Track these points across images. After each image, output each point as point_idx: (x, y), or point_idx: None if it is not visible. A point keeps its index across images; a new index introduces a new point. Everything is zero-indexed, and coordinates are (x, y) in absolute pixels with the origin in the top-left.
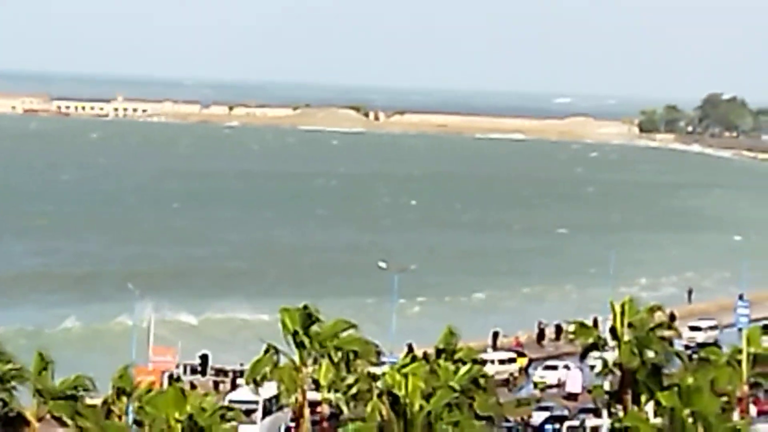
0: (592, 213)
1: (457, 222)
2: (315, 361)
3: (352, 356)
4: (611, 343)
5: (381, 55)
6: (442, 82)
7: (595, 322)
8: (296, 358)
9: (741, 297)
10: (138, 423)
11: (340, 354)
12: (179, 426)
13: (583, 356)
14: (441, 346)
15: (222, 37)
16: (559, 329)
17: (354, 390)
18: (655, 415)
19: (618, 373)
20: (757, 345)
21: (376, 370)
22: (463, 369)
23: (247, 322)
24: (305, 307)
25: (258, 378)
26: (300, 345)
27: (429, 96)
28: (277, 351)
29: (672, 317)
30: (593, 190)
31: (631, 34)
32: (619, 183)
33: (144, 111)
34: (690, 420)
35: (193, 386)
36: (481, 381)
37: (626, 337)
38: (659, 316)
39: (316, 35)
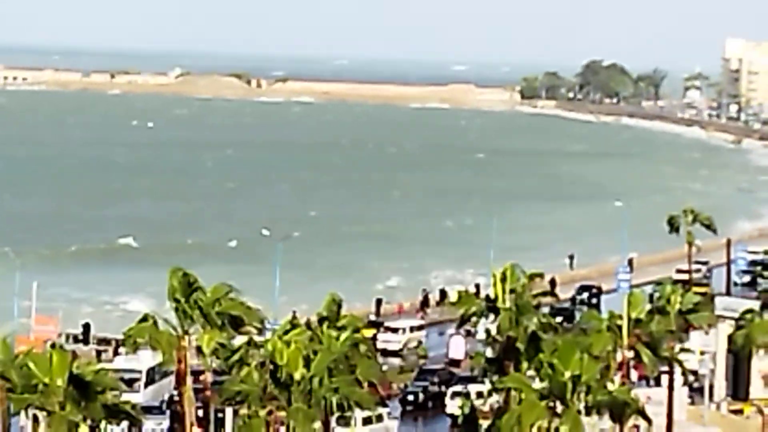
0: (475, 180)
1: (342, 189)
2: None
3: (234, 322)
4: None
5: (265, 22)
6: (332, 50)
7: (477, 288)
8: (178, 327)
9: (630, 262)
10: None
11: (222, 320)
12: (61, 389)
13: (461, 324)
14: (324, 314)
15: (102, 4)
16: (443, 294)
17: (236, 357)
18: (537, 379)
19: (500, 340)
20: (638, 310)
21: (259, 338)
22: (344, 335)
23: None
24: (185, 275)
25: (136, 345)
26: (182, 312)
27: (321, 64)
28: (155, 319)
29: (553, 283)
30: (477, 158)
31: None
32: (501, 150)
33: (24, 79)
34: (570, 384)
35: (74, 355)
36: (362, 348)
37: (507, 304)
38: (540, 283)
39: (197, 2)
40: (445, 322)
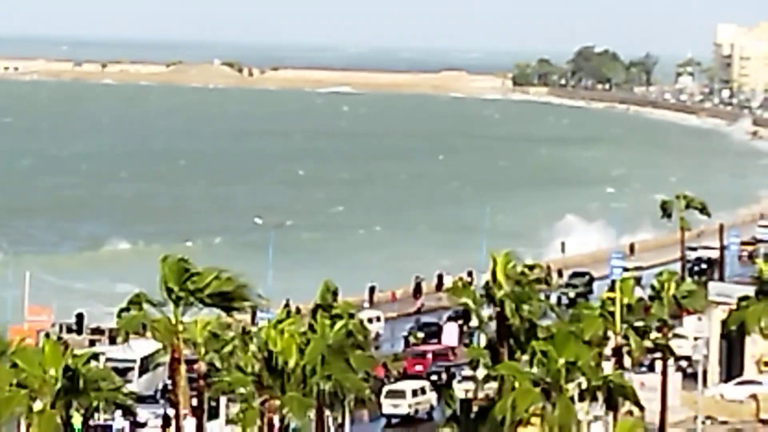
0: (468, 166)
1: (337, 178)
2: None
3: (228, 300)
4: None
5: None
6: (320, 38)
7: (470, 275)
8: (171, 315)
9: (631, 248)
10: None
11: (215, 301)
12: (53, 381)
13: (465, 318)
14: (318, 302)
15: None
16: (440, 279)
17: (229, 347)
18: (531, 365)
19: (494, 327)
20: (630, 296)
21: (252, 328)
22: (339, 323)
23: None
24: (182, 260)
25: (130, 333)
26: (175, 300)
27: (307, 53)
28: (149, 301)
29: (547, 270)
30: (470, 144)
31: None
32: (494, 137)
33: (16, 69)
34: (564, 371)
35: (66, 345)
36: (357, 335)
37: (503, 292)
38: (536, 271)
39: None
40: (439, 310)
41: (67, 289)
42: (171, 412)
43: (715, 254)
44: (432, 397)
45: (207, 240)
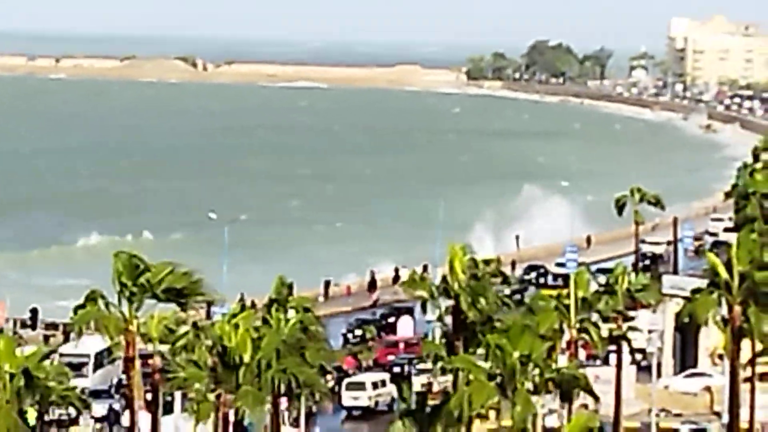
0: (422, 161)
1: (294, 173)
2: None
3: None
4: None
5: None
6: (279, 33)
7: (425, 269)
8: (125, 310)
9: (588, 240)
10: None
11: (168, 296)
12: (8, 377)
13: (424, 308)
14: (273, 297)
15: None
16: (397, 273)
17: (183, 342)
18: (486, 359)
19: (449, 321)
20: (584, 289)
21: (206, 322)
22: (294, 317)
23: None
24: (134, 255)
25: (84, 329)
26: (129, 296)
27: (264, 47)
28: (103, 297)
29: (509, 264)
30: (424, 139)
31: None
32: (448, 131)
33: None
34: (518, 364)
35: (20, 340)
36: (312, 330)
37: (459, 285)
38: (492, 265)
39: None
40: (394, 303)
41: (22, 284)
42: (117, 406)
43: (659, 249)
44: (393, 389)
45: (163, 235)
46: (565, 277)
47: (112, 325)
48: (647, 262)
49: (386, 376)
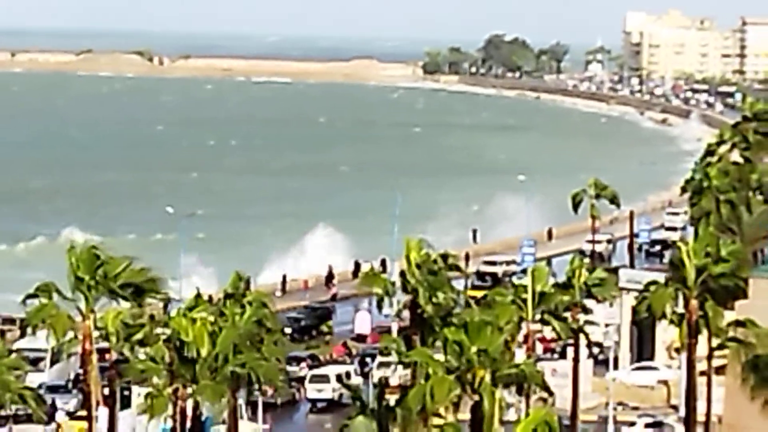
0: (377, 155)
1: (255, 167)
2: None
3: (139, 292)
4: (400, 287)
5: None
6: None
7: (384, 264)
8: (82, 305)
9: (549, 233)
10: None
11: (125, 292)
12: None
13: (380, 305)
14: (229, 291)
15: None
16: (357, 267)
17: (139, 335)
18: (445, 353)
19: (407, 315)
20: (542, 283)
21: (164, 317)
22: (249, 311)
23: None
24: (93, 247)
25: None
26: (86, 290)
27: (223, 41)
28: (59, 291)
29: (465, 258)
30: (379, 133)
31: None
32: (404, 125)
33: None
34: (475, 358)
35: None
36: (268, 323)
37: (417, 279)
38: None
39: None
40: (352, 297)
41: None
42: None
43: (600, 248)
44: (358, 381)
45: (120, 230)
46: (494, 276)
47: (60, 325)
48: (586, 260)
49: (352, 368)
